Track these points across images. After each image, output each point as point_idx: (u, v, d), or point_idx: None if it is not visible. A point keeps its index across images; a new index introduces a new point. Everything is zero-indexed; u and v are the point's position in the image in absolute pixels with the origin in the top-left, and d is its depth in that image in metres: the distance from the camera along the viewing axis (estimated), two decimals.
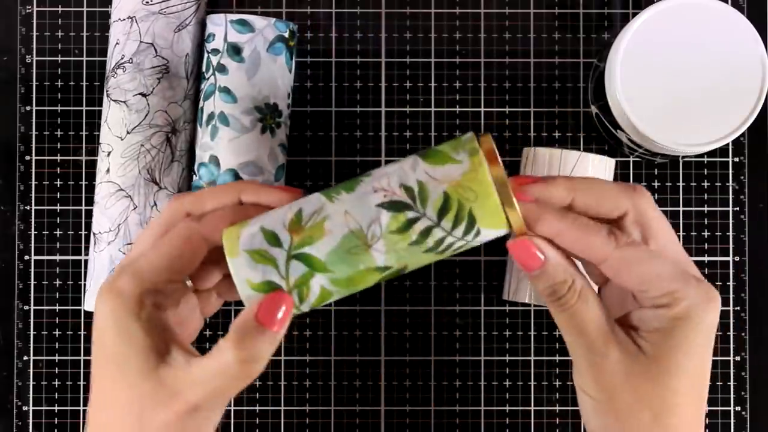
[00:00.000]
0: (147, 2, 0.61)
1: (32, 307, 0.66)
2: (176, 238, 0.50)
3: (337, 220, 0.49)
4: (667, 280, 0.48)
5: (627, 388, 0.49)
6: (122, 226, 0.61)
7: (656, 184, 0.66)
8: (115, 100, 0.62)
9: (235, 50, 0.60)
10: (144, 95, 0.61)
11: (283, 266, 0.50)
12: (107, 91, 0.62)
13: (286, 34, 0.61)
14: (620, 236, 0.49)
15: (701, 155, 0.67)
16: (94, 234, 0.62)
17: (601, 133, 0.66)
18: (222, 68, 0.61)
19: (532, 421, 0.67)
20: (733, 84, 0.59)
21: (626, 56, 0.59)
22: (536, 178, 0.51)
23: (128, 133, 0.61)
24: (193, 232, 0.50)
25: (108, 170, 0.62)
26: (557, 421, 0.67)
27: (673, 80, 0.59)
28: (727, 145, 0.67)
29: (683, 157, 0.66)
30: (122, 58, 0.62)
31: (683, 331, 0.48)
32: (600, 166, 0.61)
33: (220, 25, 0.61)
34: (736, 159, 0.67)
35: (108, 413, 0.49)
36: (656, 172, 0.67)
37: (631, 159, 0.67)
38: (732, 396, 0.66)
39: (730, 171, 0.67)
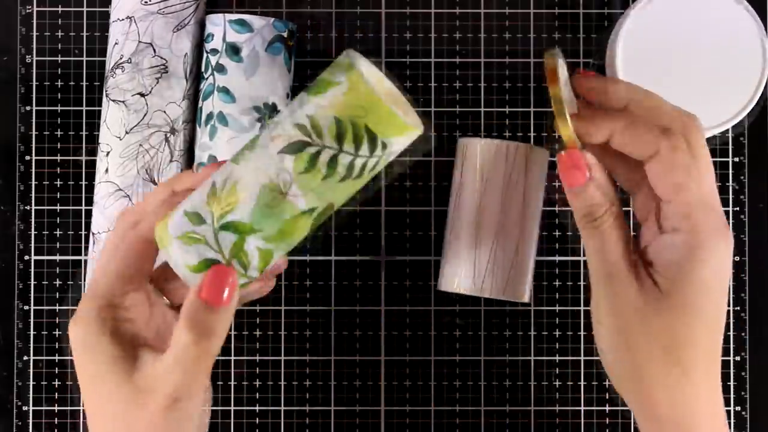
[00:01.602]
0: (146, 2, 0.61)
1: (32, 307, 0.66)
2: (121, 248, 0.51)
3: (249, 179, 0.50)
4: (693, 204, 0.50)
5: (639, 320, 0.50)
6: None
7: None
8: (113, 100, 0.62)
9: (233, 50, 0.60)
10: (142, 95, 0.61)
11: (213, 241, 0.50)
12: (106, 91, 0.62)
13: (285, 34, 0.61)
14: (672, 136, 0.50)
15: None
16: (92, 234, 0.62)
17: None
18: (221, 68, 0.61)
19: (532, 421, 0.67)
20: (734, 70, 0.59)
21: (627, 39, 0.59)
22: (598, 75, 0.53)
23: (127, 133, 0.61)
24: (134, 236, 0.51)
25: (107, 170, 0.62)
26: (557, 421, 0.67)
27: (672, 65, 0.59)
28: (727, 145, 0.67)
29: None
30: (121, 58, 0.62)
31: (694, 266, 0.50)
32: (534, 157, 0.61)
33: (218, 25, 0.61)
34: (736, 159, 0.67)
35: (101, 429, 0.50)
36: None
37: None
38: (732, 396, 0.66)
39: (730, 171, 0.67)
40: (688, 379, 0.50)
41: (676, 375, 0.50)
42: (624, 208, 0.52)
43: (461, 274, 0.60)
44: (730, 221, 0.66)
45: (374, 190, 0.67)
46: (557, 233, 0.66)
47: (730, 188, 0.67)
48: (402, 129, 0.49)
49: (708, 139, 0.67)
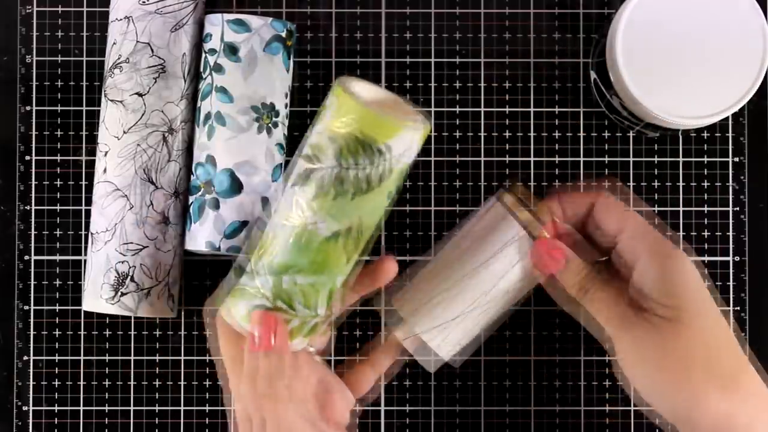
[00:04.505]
0: (143, 2, 0.61)
1: (32, 307, 0.66)
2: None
3: (276, 222, 0.52)
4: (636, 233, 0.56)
5: (666, 353, 0.53)
6: (119, 226, 0.61)
7: (656, 183, 0.66)
8: (112, 100, 0.62)
9: (231, 50, 0.60)
10: (140, 95, 0.61)
11: (255, 286, 0.52)
12: (105, 91, 0.62)
13: (284, 34, 0.61)
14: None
15: (701, 131, 0.66)
16: (91, 234, 0.62)
17: (599, 105, 0.66)
18: (219, 68, 0.61)
19: (532, 421, 0.67)
20: (734, 57, 0.59)
21: (626, 28, 0.58)
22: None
23: (125, 132, 0.61)
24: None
25: (105, 170, 0.62)
26: (557, 421, 0.67)
27: (673, 53, 0.59)
28: (727, 145, 0.67)
29: (682, 131, 0.66)
30: (119, 58, 0.62)
31: (665, 277, 0.54)
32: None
33: (217, 25, 0.61)
34: (736, 159, 0.67)
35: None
36: (656, 172, 0.67)
37: (631, 135, 0.66)
38: None
39: (730, 171, 0.67)
40: (725, 393, 0.53)
41: (715, 390, 0.53)
42: None
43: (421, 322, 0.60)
44: (730, 221, 0.67)
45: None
46: None
47: (730, 188, 0.67)
48: (394, 129, 0.50)
49: (708, 138, 0.67)
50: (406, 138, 0.50)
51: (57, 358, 0.66)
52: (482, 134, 0.67)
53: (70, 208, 0.67)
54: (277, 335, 0.53)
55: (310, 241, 0.51)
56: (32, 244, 0.67)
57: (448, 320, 0.59)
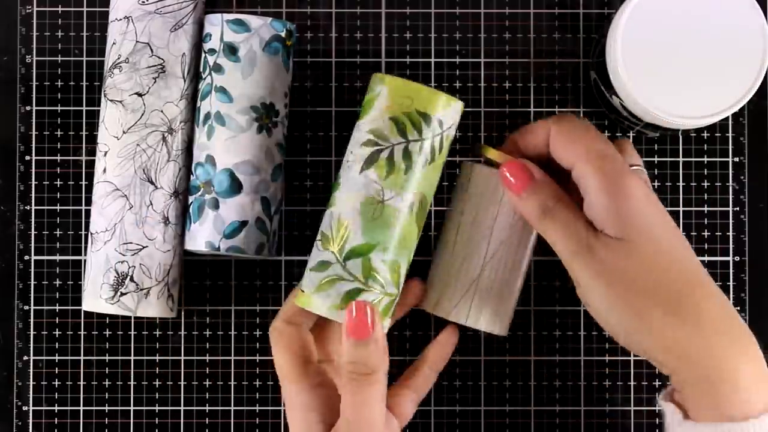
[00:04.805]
0: (143, 2, 0.61)
1: (32, 307, 0.66)
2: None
3: (347, 208, 0.56)
4: (586, 156, 0.55)
5: (620, 274, 0.53)
6: (118, 226, 0.61)
7: (656, 183, 0.66)
8: (111, 100, 0.62)
9: (231, 50, 0.60)
10: (140, 95, 0.61)
11: (345, 273, 0.56)
12: (104, 91, 0.62)
13: (283, 34, 0.61)
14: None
15: (701, 131, 0.66)
16: (91, 234, 0.62)
17: (598, 104, 0.66)
18: (218, 68, 0.61)
19: (532, 421, 0.67)
20: (734, 57, 0.59)
21: (627, 27, 0.58)
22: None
23: (124, 132, 0.61)
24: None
25: (105, 170, 0.62)
26: (557, 421, 0.66)
27: (673, 52, 0.59)
28: (727, 145, 0.67)
29: (682, 131, 0.66)
30: (119, 58, 0.62)
31: (619, 202, 0.53)
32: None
33: (216, 25, 0.61)
34: (736, 159, 0.67)
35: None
36: (656, 172, 0.67)
37: (631, 135, 0.66)
38: None
39: (730, 171, 0.67)
40: (682, 321, 0.52)
41: (673, 322, 0.52)
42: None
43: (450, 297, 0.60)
44: (730, 221, 0.66)
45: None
46: None
47: (730, 188, 0.67)
48: (447, 102, 0.56)
49: (708, 138, 0.67)
50: (452, 110, 0.57)
51: (57, 358, 0.66)
52: (482, 134, 0.67)
53: (70, 208, 0.67)
54: (372, 322, 0.54)
55: (388, 216, 0.55)
56: (32, 244, 0.67)
57: (467, 289, 0.59)
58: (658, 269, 0.53)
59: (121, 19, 0.62)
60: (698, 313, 0.52)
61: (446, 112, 0.56)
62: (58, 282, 0.67)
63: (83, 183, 0.67)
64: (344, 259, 0.56)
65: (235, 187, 0.60)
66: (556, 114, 0.65)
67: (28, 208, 0.67)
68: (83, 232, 0.66)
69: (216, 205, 0.60)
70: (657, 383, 0.66)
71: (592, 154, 0.55)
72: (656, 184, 0.66)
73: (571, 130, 0.56)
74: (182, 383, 0.66)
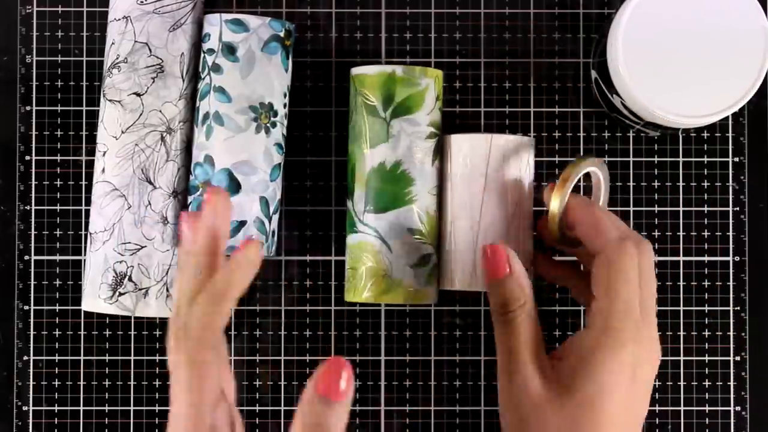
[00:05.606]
0: (141, 2, 0.61)
1: (32, 307, 0.67)
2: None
3: (429, 201, 0.61)
4: (614, 306, 0.53)
5: (536, 417, 0.52)
6: (116, 226, 0.61)
7: (656, 184, 0.66)
8: (110, 100, 0.62)
9: (229, 50, 0.60)
10: (138, 95, 0.61)
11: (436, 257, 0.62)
12: (103, 90, 0.62)
13: (282, 34, 0.61)
14: (626, 242, 0.55)
15: (701, 131, 0.66)
16: (90, 234, 0.62)
17: (599, 104, 0.66)
18: (217, 68, 0.61)
19: None
20: (735, 56, 0.59)
21: (628, 27, 0.58)
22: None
23: (123, 132, 0.61)
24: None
25: (103, 170, 0.62)
26: None
27: (674, 51, 0.59)
28: (727, 145, 0.67)
29: (682, 131, 0.66)
30: (117, 58, 0.62)
31: (595, 365, 0.52)
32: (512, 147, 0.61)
33: (215, 25, 0.61)
34: (736, 159, 0.67)
35: None
36: (656, 172, 0.67)
37: (631, 134, 0.66)
38: (732, 396, 0.66)
39: (730, 171, 0.67)
40: None
41: None
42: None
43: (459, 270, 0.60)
44: (730, 221, 0.66)
45: None
46: None
47: (730, 188, 0.67)
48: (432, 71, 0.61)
49: (708, 138, 0.67)
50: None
51: (57, 358, 0.66)
52: (482, 134, 0.67)
53: (70, 208, 0.67)
54: (347, 384, 0.47)
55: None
56: (32, 244, 0.67)
57: (465, 248, 0.60)
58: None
59: (119, 19, 0.62)
60: None
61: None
62: (58, 282, 0.67)
63: (83, 183, 0.67)
64: (436, 249, 0.61)
65: (234, 186, 0.60)
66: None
67: (28, 208, 0.67)
68: (83, 232, 0.67)
69: None
70: (656, 383, 0.66)
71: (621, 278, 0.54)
72: (656, 184, 0.66)
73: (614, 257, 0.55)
74: None
